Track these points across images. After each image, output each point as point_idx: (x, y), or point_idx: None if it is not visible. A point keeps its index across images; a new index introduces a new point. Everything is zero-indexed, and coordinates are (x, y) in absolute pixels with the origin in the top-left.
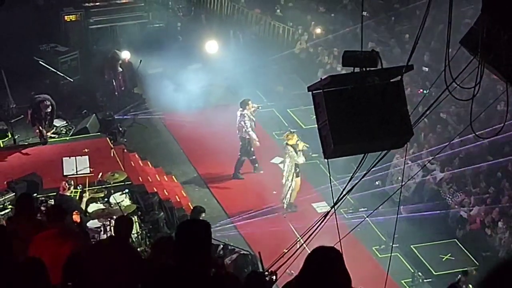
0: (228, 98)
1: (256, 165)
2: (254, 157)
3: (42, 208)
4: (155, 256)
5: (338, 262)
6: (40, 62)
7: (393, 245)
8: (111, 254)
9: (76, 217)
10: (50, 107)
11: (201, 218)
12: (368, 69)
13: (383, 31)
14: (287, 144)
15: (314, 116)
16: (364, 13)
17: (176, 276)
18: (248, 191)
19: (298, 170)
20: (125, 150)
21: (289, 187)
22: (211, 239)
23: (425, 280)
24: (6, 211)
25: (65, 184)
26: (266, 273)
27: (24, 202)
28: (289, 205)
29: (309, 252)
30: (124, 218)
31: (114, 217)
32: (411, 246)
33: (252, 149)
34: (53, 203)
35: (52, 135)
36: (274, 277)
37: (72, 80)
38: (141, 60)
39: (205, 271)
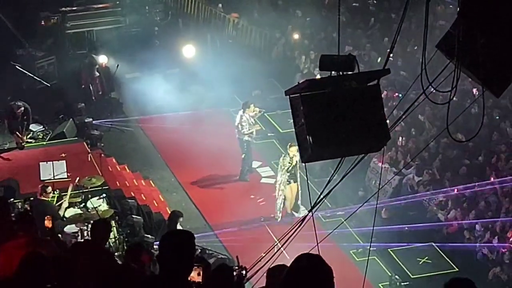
0: (206, 103)
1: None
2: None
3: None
4: (127, 262)
5: (326, 270)
6: (16, 66)
7: (371, 249)
8: (86, 257)
9: (48, 223)
10: (23, 109)
11: (179, 223)
12: (345, 73)
13: (360, 35)
14: (288, 154)
15: (292, 120)
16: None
17: (158, 285)
18: (226, 195)
19: (290, 179)
20: (103, 155)
21: (283, 198)
22: (195, 250)
23: (402, 284)
24: None
25: (41, 188)
26: (236, 267)
27: None
28: (288, 214)
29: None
30: (100, 222)
31: (92, 222)
32: (389, 249)
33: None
34: (29, 208)
35: (29, 140)
36: (244, 272)
37: (49, 85)
38: (118, 65)
39: (187, 281)
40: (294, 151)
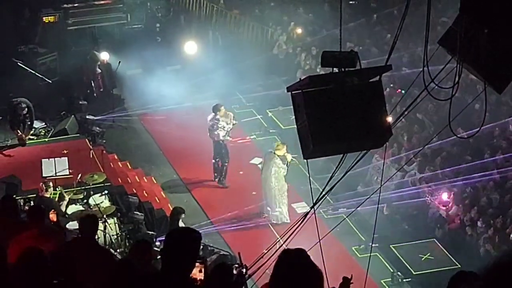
0: (207, 100)
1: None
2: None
3: (26, 207)
4: (132, 259)
5: (307, 263)
6: (18, 63)
7: (373, 245)
8: (79, 254)
9: (52, 216)
10: (26, 108)
11: (180, 220)
12: (347, 69)
13: (362, 31)
14: (275, 153)
15: (293, 117)
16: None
17: (160, 282)
18: (228, 192)
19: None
20: (104, 152)
21: (275, 195)
22: (199, 249)
23: (404, 280)
24: None
25: (42, 185)
26: (236, 265)
27: (4, 203)
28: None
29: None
30: (87, 217)
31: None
32: (391, 245)
33: (227, 158)
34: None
35: (31, 137)
36: (244, 270)
37: (51, 82)
38: (120, 61)
39: (189, 279)
40: (284, 150)
